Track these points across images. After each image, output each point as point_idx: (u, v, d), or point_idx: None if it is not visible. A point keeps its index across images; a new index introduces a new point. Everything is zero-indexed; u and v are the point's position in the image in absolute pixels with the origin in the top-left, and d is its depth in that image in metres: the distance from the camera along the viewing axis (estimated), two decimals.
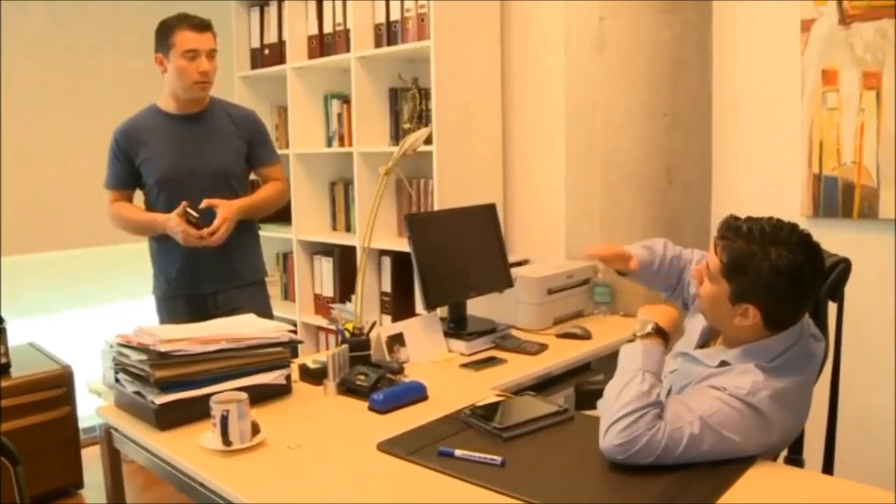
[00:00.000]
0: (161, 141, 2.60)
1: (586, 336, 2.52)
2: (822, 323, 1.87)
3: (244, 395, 1.68)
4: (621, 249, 2.13)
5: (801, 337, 1.61)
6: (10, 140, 3.51)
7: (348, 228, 3.71)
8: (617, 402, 1.50)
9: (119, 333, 1.89)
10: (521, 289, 2.64)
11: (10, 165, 3.51)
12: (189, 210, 2.45)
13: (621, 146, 2.80)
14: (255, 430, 1.69)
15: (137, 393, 1.82)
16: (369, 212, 2.36)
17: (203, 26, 2.54)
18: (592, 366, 2.46)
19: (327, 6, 3.51)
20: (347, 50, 3.36)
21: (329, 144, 3.71)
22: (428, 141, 2.69)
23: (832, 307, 1.89)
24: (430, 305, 2.39)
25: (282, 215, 3.39)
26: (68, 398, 3.18)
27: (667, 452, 1.46)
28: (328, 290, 3.69)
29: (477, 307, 2.61)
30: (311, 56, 3.61)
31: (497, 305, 2.63)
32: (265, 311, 2.68)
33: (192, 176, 2.58)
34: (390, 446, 1.66)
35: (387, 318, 3.37)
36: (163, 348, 1.77)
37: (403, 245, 2.94)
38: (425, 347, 2.35)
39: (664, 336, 1.65)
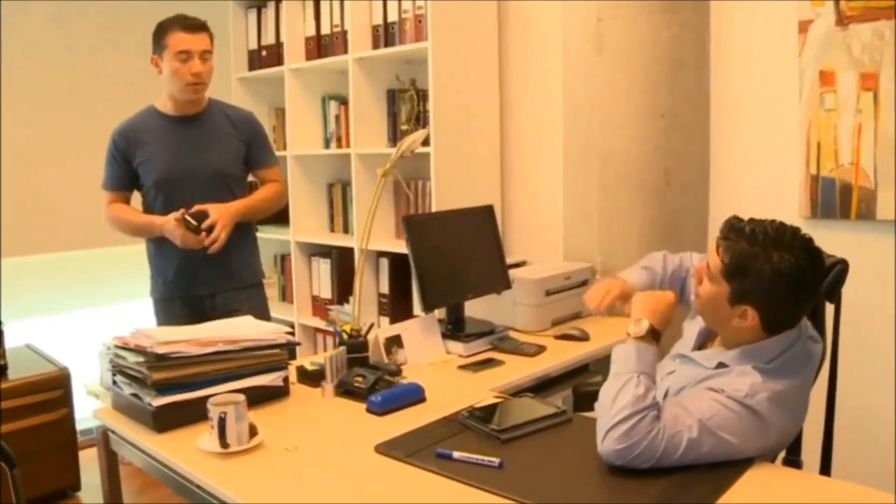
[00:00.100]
0: (159, 142, 2.59)
1: (584, 337, 2.51)
2: (819, 324, 1.87)
3: (242, 397, 1.68)
4: (620, 290, 2.08)
5: (799, 338, 1.61)
6: (10, 140, 3.50)
7: (346, 230, 3.71)
8: (614, 405, 1.50)
9: (116, 335, 1.89)
10: (518, 290, 2.63)
11: (11, 166, 3.50)
12: (188, 218, 2.45)
13: (619, 147, 2.80)
14: (253, 432, 1.69)
15: (135, 395, 1.82)
16: (367, 213, 2.36)
17: (196, 27, 2.52)
18: (590, 367, 2.46)
19: (325, 7, 3.51)
20: (345, 51, 3.35)
21: (327, 146, 3.71)
22: (426, 142, 2.69)
23: (829, 308, 1.90)
24: (428, 307, 2.39)
25: (279, 217, 3.38)
26: (66, 400, 3.17)
27: (666, 456, 1.46)
28: (326, 291, 3.69)
29: (475, 309, 2.61)
30: (309, 57, 3.60)
31: (495, 307, 2.63)
32: (263, 313, 2.68)
33: (190, 177, 2.58)
34: (388, 448, 1.66)
35: (385, 320, 3.36)
36: (160, 350, 1.77)
37: (401, 246, 2.94)
38: (423, 349, 2.35)
39: (658, 336, 1.65)
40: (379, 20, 3.29)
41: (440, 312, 2.52)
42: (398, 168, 2.46)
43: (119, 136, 2.60)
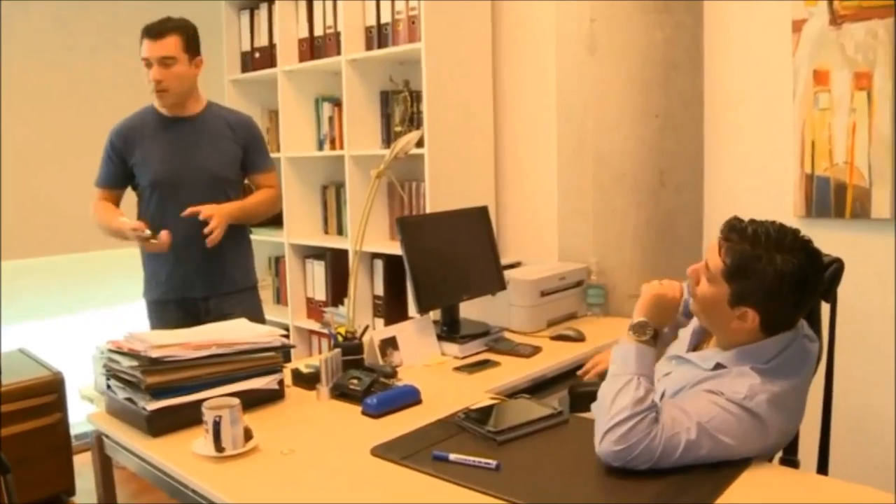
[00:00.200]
0: (155, 142, 2.59)
1: (580, 338, 2.51)
2: (815, 323, 1.86)
3: (236, 401, 1.67)
4: (605, 365, 2.01)
5: (796, 338, 1.61)
6: (10, 140, 3.49)
7: (340, 232, 3.70)
8: (612, 406, 1.49)
9: (110, 339, 1.88)
10: (513, 291, 2.63)
11: (10, 166, 3.48)
12: (144, 233, 2.42)
13: (614, 147, 2.80)
14: (248, 435, 1.68)
15: (129, 399, 1.81)
16: (361, 215, 2.35)
17: (155, 34, 2.49)
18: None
19: (318, 8, 3.50)
20: (338, 52, 3.35)
21: (320, 148, 3.70)
22: (419, 143, 2.69)
23: (825, 307, 1.89)
24: (423, 309, 2.39)
25: (273, 219, 3.37)
26: (60, 405, 3.15)
27: (664, 457, 1.46)
28: (320, 293, 3.68)
29: (470, 310, 2.60)
30: (302, 59, 3.60)
31: (490, 308, 2.63)
32: (257, 317, 2.66)
33: (185, 179, 2.57)
34: (384, 451, 1.65)
35: (379, 322, 3.36)
36: (154, 354, 1.75)
37: (396, 248, 2.93)
38: (418, 351, 2.34)
39: (657, 337, 1.64)
40: (372, 21, 3.28)
41: (435, 314, 2.52)
42: (392, 169, 2.45)
43: (116, 136, 2.60)
